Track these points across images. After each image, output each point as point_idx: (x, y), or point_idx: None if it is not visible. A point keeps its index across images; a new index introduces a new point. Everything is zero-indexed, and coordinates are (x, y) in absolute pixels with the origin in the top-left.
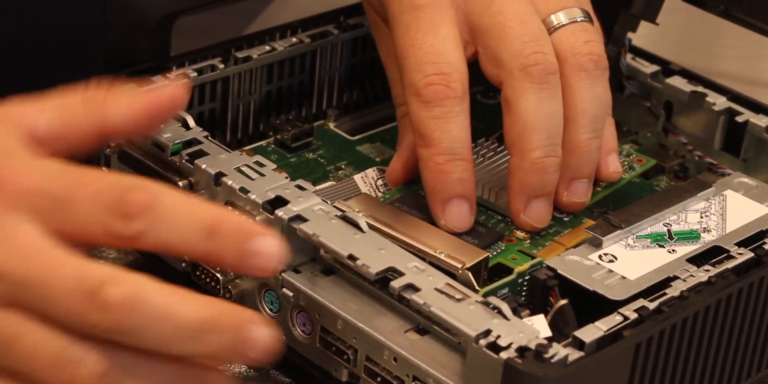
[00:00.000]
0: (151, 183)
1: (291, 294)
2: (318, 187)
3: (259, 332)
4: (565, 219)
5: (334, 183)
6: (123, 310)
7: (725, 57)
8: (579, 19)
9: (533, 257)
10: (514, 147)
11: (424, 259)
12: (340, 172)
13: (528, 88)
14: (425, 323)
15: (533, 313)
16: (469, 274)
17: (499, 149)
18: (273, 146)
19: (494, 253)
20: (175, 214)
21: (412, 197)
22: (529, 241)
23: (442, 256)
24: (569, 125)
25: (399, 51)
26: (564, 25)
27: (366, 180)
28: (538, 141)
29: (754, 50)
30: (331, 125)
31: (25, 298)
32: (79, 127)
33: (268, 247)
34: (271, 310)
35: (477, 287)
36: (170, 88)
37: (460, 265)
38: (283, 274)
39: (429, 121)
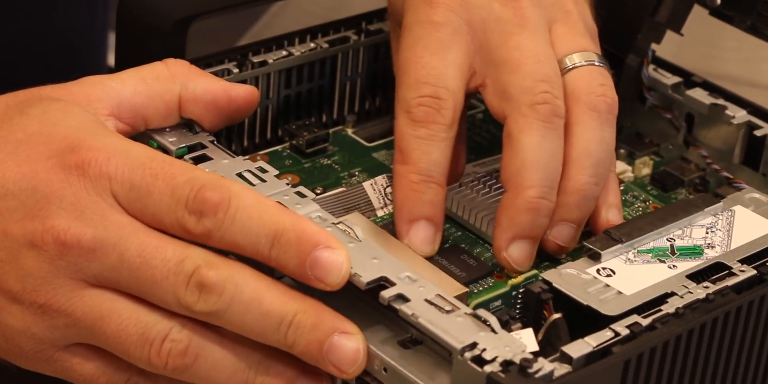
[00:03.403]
0: (229, 182)
1: None
2: (327, 194)
3: (344, 341)
4: (562, 259)
5: (344, 189)
6: (216, 291)
7: (726, 59)
8: (596, 63)
9: None
10: (510, 182)
11: None
12: (353, 178)
13: (533, 125)
14: (417, 334)
15: (527, 326)
16: None
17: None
18: (288, 151)
19: (480, 288)
20: (245, 216)
21: None
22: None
23: None
24: (571, 165)
25: (401, 64)
26: (580, 66)
27: (375, 187)
28: (536, 179)
29: (754, 53)
30: (349, 131)
31: (120, 278)
32: (162, 96)
33: (329, 260)
34: None
35: None
36: (247, 87)
37: None
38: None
39: (411, 139)
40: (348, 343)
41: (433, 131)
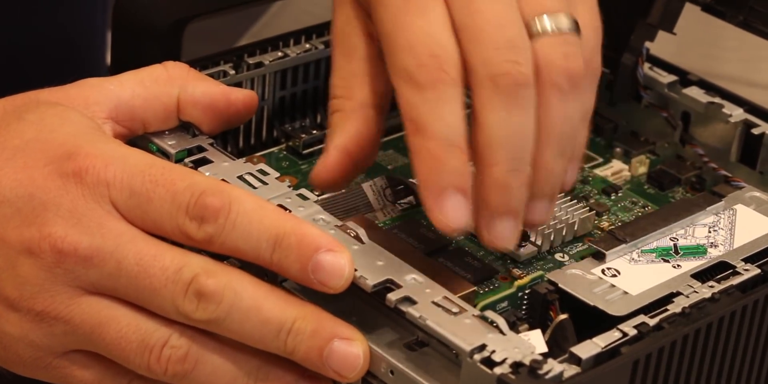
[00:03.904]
0: (230, 187)
1: None
2: (325, 196)
3: (344, 347)
4: (566, 261)
5: (343, 191)
6: (215, 300)
7: (726, 59)
8: (564, 29)
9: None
10: (477, 162)
11: None
12: None
13: (495, 100)
14: (424, 336)
15: (533, 327)
16: None
17: None
18: (284, 153)
19: (486, 290)
20: (246, 221)
21: (411, 225)
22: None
23: None
24: (535, 143)
25: (386, 34)
26: (546, 35)
27: (374, 188)
28: (501, 156)
29: (754, 52)
30: None
31: (118, 286)
32: (161, 99)
33: (332, 264)
34: None
35: None
36: (246, 91)
37: None
38: (283, 284)
39: (421, 106)
40: (348, 348)
41: (441, 91)
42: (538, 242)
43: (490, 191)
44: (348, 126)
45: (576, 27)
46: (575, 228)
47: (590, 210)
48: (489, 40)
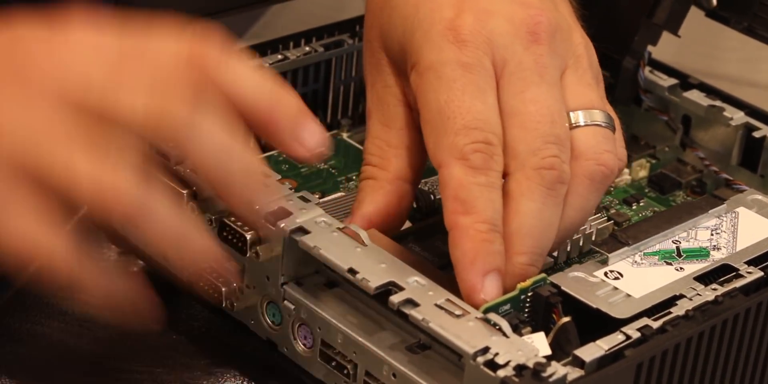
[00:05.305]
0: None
1: (292, 307)
2: (326, 199)
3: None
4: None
5: (343, 194)
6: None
7: (726, 59)
8: (601, 124)
9: None
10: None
11: None
12: (350, 183)
13: (536, 190)
14: (426, 339)
15: (536, 330)
16: None
17: None
18: (284, 156)
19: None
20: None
21: (425, 236)
22: None
23: None
24: None
25: (439, 110)
26: (585, 126)
27: None
28: (529, 246)
29: (754, 53)
30: (345, 135)
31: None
32: None
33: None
34: (273, 322)
35: None
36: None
37: None
38: (284, 287)
39: (474, 187)
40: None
41: (492, 178)
42: (555, 253)
43: (507, 277)
44: (378, 197)
45: (613, 124)
46: (593, 238)
47: (608, 220)
48: (539, 132)
